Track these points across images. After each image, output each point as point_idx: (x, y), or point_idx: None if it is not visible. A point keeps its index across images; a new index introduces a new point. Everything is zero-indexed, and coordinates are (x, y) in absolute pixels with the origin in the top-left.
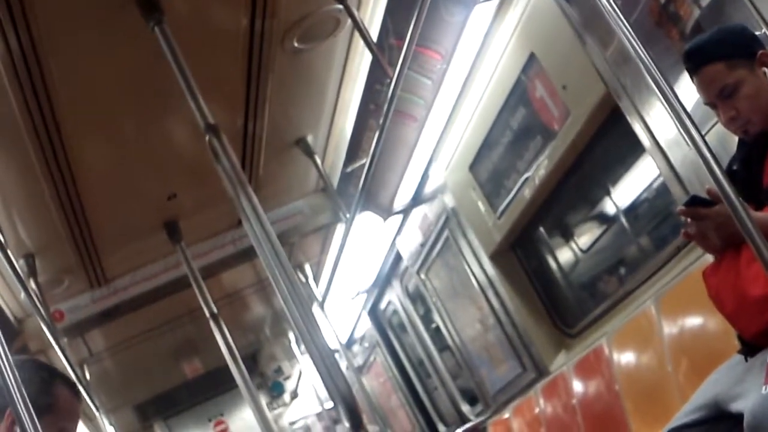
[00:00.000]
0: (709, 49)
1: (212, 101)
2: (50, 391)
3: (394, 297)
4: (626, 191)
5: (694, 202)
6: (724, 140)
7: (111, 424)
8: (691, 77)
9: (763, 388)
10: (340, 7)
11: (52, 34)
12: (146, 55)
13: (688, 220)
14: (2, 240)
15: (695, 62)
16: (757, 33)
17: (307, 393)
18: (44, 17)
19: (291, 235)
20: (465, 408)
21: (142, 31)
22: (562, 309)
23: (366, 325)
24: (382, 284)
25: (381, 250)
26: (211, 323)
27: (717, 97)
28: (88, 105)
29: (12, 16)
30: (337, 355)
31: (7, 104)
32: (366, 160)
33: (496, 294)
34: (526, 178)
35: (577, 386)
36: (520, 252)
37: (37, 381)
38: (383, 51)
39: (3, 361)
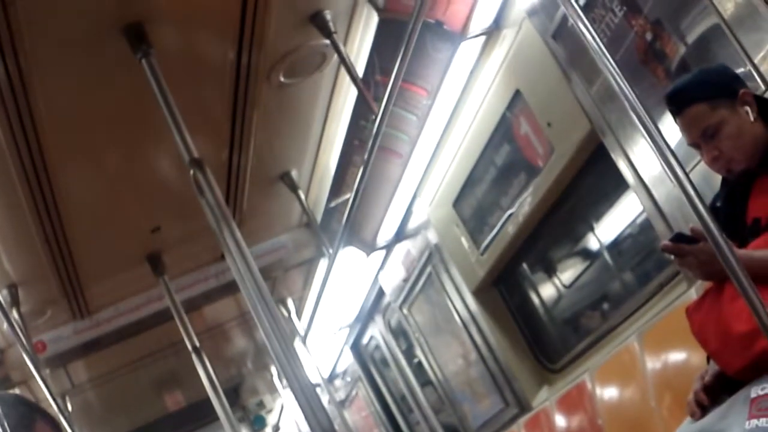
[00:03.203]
0: (691, 91)
1: (197, 134)
2: (30, 427)
3: (376, 332)
4: (610, 228)
5: (679, 239)
6: (708, 177)
7: None
8: (674, 119)
9: (746, 423)
10: (327, 42)
11: (39, 64)
12: (133, 87)
13: (672, 257)
14: None
15: (678, 104)
16: (741, 70)
17: (289, 427)
18: (32, 47)
19: (274, 269)
20: None
21: (130, 63)
22: (544, 344)
23: (348, 360)
24: (365, 319)
25: (364, 286)
26: (194, 356)
27: (700, 137)
28: (74, 136)
29: (0, 46)
30: (318, 390)
31: None
32: (350, 196)
33: (479, 329)
34: (510, 215)
35: (560, 421)
36: (503, 288)
37: (16, 416)
38: (369, 87)
39: None
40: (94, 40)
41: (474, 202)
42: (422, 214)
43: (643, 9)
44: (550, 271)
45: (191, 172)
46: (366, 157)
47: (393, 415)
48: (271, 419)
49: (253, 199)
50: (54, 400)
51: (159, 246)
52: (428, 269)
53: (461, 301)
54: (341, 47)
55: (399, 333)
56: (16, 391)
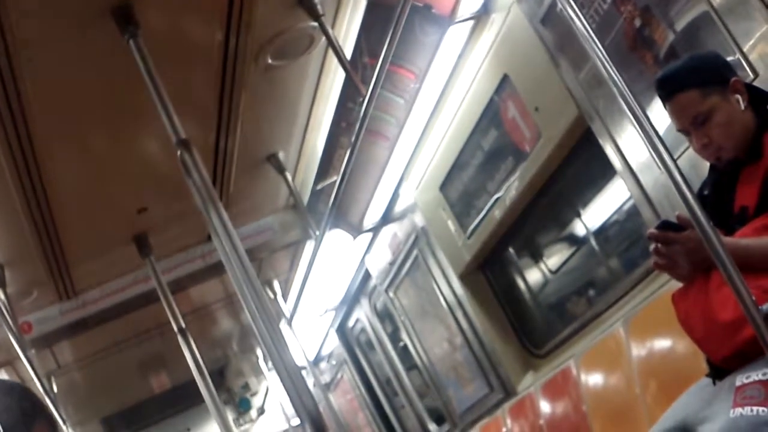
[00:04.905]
0: (683, 77)
1: (185, 116)
2: (29, 426)
3: (362, 315)
4: (597, 214)
5: (665, 226)
6: (696, 164)
7: None
8: (663, 104)
9: (731, 411)
10: (315, 24)
11: (26, 46)
12: (120, 68)
13: (658, 244)
14: None
15: (668, 90)
16: (730, 58)
17: (274, 409)
18: (19, 27)
19: (260, 251)
20: (432, 427)
21: (117, 44)
22: (530, 330)
23: (334, 343)
24: (351, 302)
25: (350, 268)
26: (179, 338)
27: (690, 124)
28: (61, 117)
29: None
30: (304, 372)
31: None
32: (337, 178)
33: (465, 314)
34: (497, 199)
35: (545, 407)
36: (489, 272)
37: (18, 411)
38: (357, 69)
39: None
40: (81, 21)
41: (461, 186)
42: (409, 198)
43: None
44: (537, 257)
45: (178, 153)
46: (353, 139)
47: (378, 399)
48: (256, 401)
49: (240, 180)
50: (39, 380)
51: (146, 227)
52: (414, 252)
53: (447, 284)
54: (329, 30)
55: (385, 316)
56: (2, 372)
